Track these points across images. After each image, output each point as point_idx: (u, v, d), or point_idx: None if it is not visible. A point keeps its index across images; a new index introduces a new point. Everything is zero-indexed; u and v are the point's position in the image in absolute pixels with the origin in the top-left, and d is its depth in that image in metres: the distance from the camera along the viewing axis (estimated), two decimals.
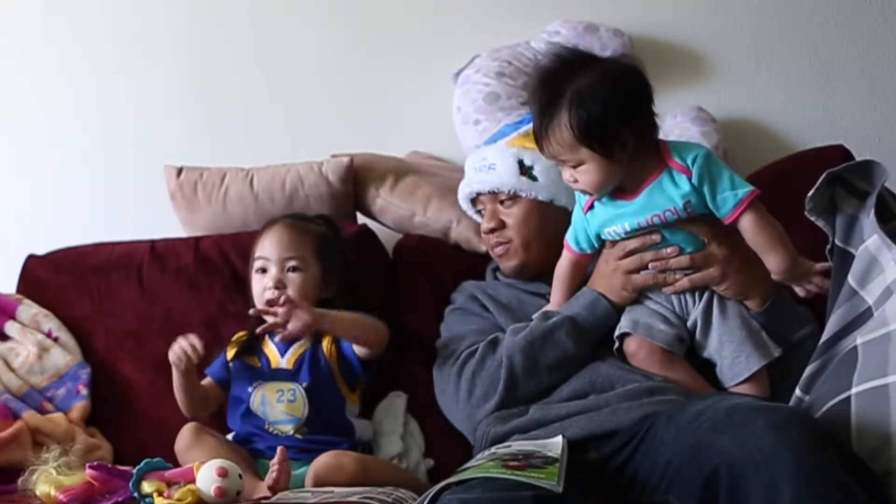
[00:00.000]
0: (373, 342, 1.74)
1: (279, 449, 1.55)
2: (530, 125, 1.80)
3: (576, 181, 1.55)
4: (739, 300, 1.59)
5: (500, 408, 1.62)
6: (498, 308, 1.76)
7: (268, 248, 1.79)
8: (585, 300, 1.64)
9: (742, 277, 1.57)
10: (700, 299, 1.59)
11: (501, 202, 1.79)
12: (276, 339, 1.74)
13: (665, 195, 1.53)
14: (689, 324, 1.60)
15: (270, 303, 1.70)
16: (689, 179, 1.51)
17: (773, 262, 1.52)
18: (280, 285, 1.76)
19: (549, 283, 1.72)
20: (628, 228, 1.57)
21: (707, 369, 1.61)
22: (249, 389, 1.74)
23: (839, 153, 1.92)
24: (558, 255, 1.69)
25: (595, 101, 1.49)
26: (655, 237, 1.58)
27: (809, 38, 2.22)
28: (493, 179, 1.78)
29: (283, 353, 1.77)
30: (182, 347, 1.69)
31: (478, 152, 1.86)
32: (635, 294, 1.61)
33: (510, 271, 1.80)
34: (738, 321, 1.57)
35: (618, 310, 1.62)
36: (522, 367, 1.62)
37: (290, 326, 1.65)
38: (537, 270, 1.78)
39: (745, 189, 1.51)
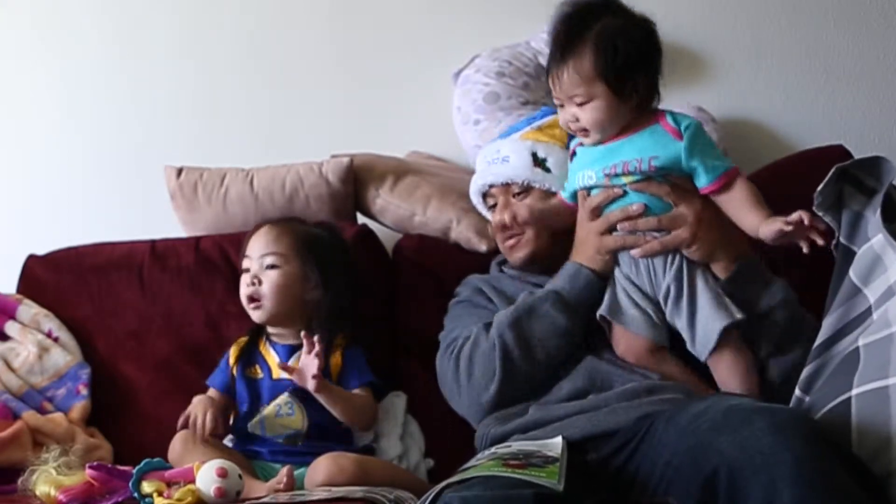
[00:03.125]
0: (360, 424, 1.76)
1: (285, 469, 1.55)
2: (543, 120, 1.82)
3: (576, 120, 1.57)
4: (706, 264, 1.58)
5: (503, 391, 1.62)
6: (502, 300, 1.76)
7: (251, 247, 1.80)
8: (566, 272, 1.65)
9: (711, 239, 1.57)
10: (671, 266, 1.57)
11: (514, 195, 1.78)
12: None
13: (635, 147, 1.56)
14: (661, 295, 1.58)
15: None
16: (678, 142, 1.53)
17: (756, 217, 1.51)
18: (256, 282, 1.76)
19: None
20: (592, 176, 1.59)
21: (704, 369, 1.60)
22: (252, 413, 1.73)
23: (839, 153, 1.92)
24: (567, 248, 1.70)
25: (625, 39, 1.54)
26: (618, 190, 1.58)
27: (809, 38, 2.22)
28: (506, 171, 1.78)
29: (284, 361, 1.76)
30: (196, 421, 1.68)
31: (491, 146, 1.86)
32: (610, 257, 1.61)
33: (519, 262, 1.79)
34: (704, 286, 1.56)
35: (601, 277, 1.62)
36: (514, 342, 1.62)
37: (310, 383, 1.65)
38: (545, 263, 1.77)
39: (730, 163, 1.56)
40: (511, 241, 1.79)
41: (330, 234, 1.87)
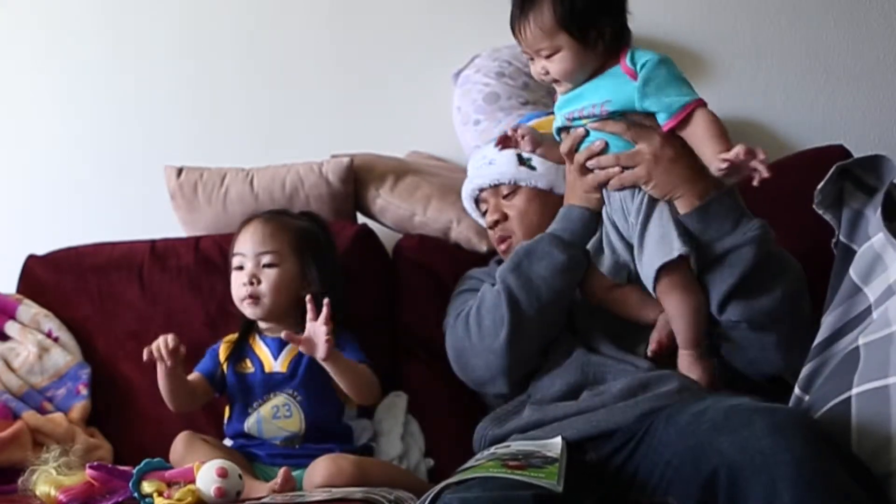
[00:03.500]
0: (367, 396, 1.74)
1: (282, 471, 1.55)
2: (527, 123, 1.82)
3: (546, 73, 1.57)
4: (668, 201, 1.56)
5: (514, 337, 1.62)
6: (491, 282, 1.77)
7: (243, 244, 1.78)
8: (560, 214, 1.66)
9: (672, 175, 1.54)
10: (634, 203, 1.57)
11: (504, 196, 1.80)
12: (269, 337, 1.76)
13: (595, 91, 1.56)
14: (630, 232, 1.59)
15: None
16: (633, 82, 1.52)
17: (712, 152, 1.47)
18: (255, 281, 1.74)
19: None
20: (561, 119, 1.61)
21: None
22: (247, 411, 1.73)
23: (839, 153, 1.92)
24: None
25: None
26: (580, 131, 1.59)
27: (809, 38, 2.22)
28: (493, 172, 1.80)
29: (276, 356, 1.76)
30: (158, 348, 1.66)
31: (478, 152, 1.90)
32: (597, 192, 1.61)
33: None
34: (657, 223, 1.55)
35: (593, 213, 1.63)
36: (517, 284, 1.63)
37: (321, 348, 1.64)
38: None
39: (692, 97, 1.50)
40: (503, 245, 1.80)
41: (318, 226, 1.86)
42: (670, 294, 1.54)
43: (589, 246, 1.65)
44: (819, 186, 1.45)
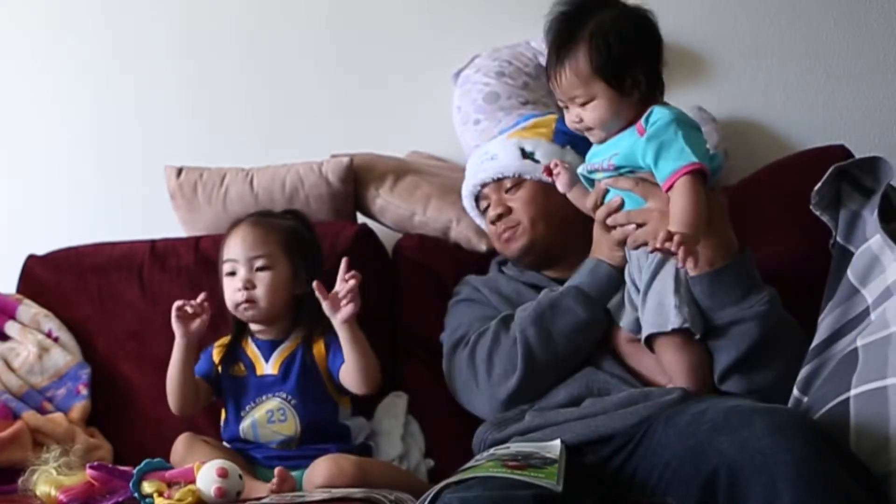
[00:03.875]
0: (368, 379, 1.71)
1: (277, 470, 1.55)
2: (528, 122, 1.84)
3: (581, 120, 1.56)
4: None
5: (522, 386, 1.62)
6: (501, 301, 1.77)
7: (234, 250, 1.77)
8: (586, 267, 1.66)
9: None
10: (647, 262, 1.56)
11: (507, 190, 1.80)
12: (261, 338, 1.76)
13: (613, 145, 1.54)
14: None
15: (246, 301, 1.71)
16: (640, 137, 1.49)
17: (674, 224, 1.42)
18: (249, 285, 1.73)
19: (552, 272, 1.77)
20: (582, 169, 1.60)
21: None
22: (240, 415, 1.73)
23: (840, 153, 1.91)
24: (563, 236, 1.74)
25: (617, 35, 1.51)
26: (601, 187, 1.57)
27: (809, 38, 2.22)
28: (496, 166, 1.81)
29: (267, 358, 1.76)
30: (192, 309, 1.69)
31: (479, 150, 1.90)
32: (620, 249, 1.61)
33: (517, 253, 1.80)
34: (661, 287, 1.52)
35: (619, 270, 1.63)
36: (536, 338, 1.62)
37: (344, 310, 1.65)
38: (544, 253, 1.78)
39: (688, 160, 1.44)
40: (507, 234, 1.79)
41: (303, 224, 1.85)
42: (664, 354, 1.54)
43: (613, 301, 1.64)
44: (816, 187, 1.45)
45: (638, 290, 1.57)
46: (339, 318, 1.66)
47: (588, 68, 1.52)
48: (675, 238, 1.37)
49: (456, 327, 1.78)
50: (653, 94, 1.54)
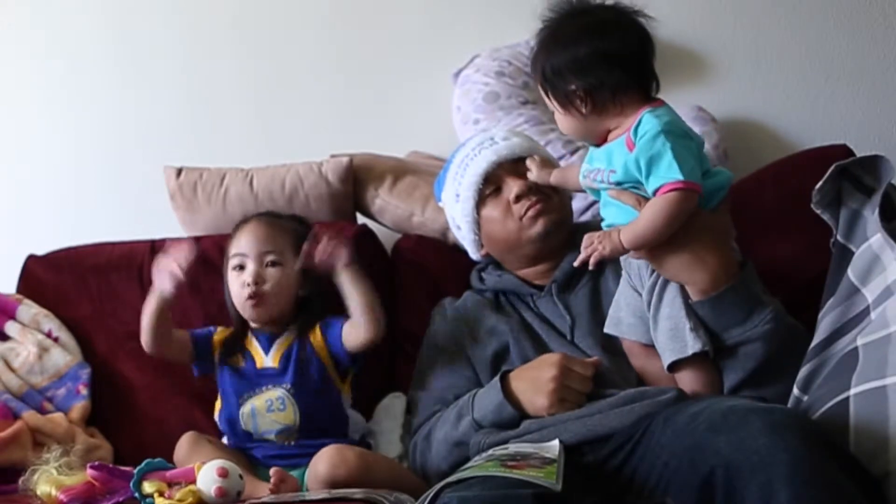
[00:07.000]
0: (374, 321, 1.69)
1: (272, 471, 1.55)
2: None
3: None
4: (680, 284, 1.51)
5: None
6: (471, 329, 1.76)
7: (245, 244, 1.77)
8: (492, 403, 1.58)
9: (678, 260, 1.47)
10: (649, 278, 1.54)
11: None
12: (264, 334, 1.77)
13: (607, 157, 1.50)
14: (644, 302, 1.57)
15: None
16: (630, 153, 1.44)
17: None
18: (259, 280, 1.74)
19: (535, 271, 1.77)
20: (583, 174, 1.56)
21: None
22: (239, 401, 1.73)
23: (842, 153, 1.91)
24: (569, 229, 1.75)
25: (554, 53, 1.50)
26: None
27: (809, 38, 2.22)
28: (523, 143, 1.77)
29: (267, 350, 1.76)
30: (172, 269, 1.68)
31: (475, 137, 1.83)
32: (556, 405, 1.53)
33: (547, 227, 1.70)
34: (668, 312, 1.51)
35: (524, 416, 1.55)
36: (447, 462, 1.63)
37: (341, 255, 1.67)
38: (563, 239, 1.74)
39: (673, 177, 1.40)
40: (539, 207, 1.70)
41: (308, 230, 1.84)
42: (682, 377, 1.53)
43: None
44: (817, 186, 1.45)
45: (639, 294, 1.57)
46: (339, 265, 1.67)
47: (539, 82, 1.54)
48: (601, 239, 1.44)
49: (418, 382, 1.78)
50: (609, 106, 1.47)
